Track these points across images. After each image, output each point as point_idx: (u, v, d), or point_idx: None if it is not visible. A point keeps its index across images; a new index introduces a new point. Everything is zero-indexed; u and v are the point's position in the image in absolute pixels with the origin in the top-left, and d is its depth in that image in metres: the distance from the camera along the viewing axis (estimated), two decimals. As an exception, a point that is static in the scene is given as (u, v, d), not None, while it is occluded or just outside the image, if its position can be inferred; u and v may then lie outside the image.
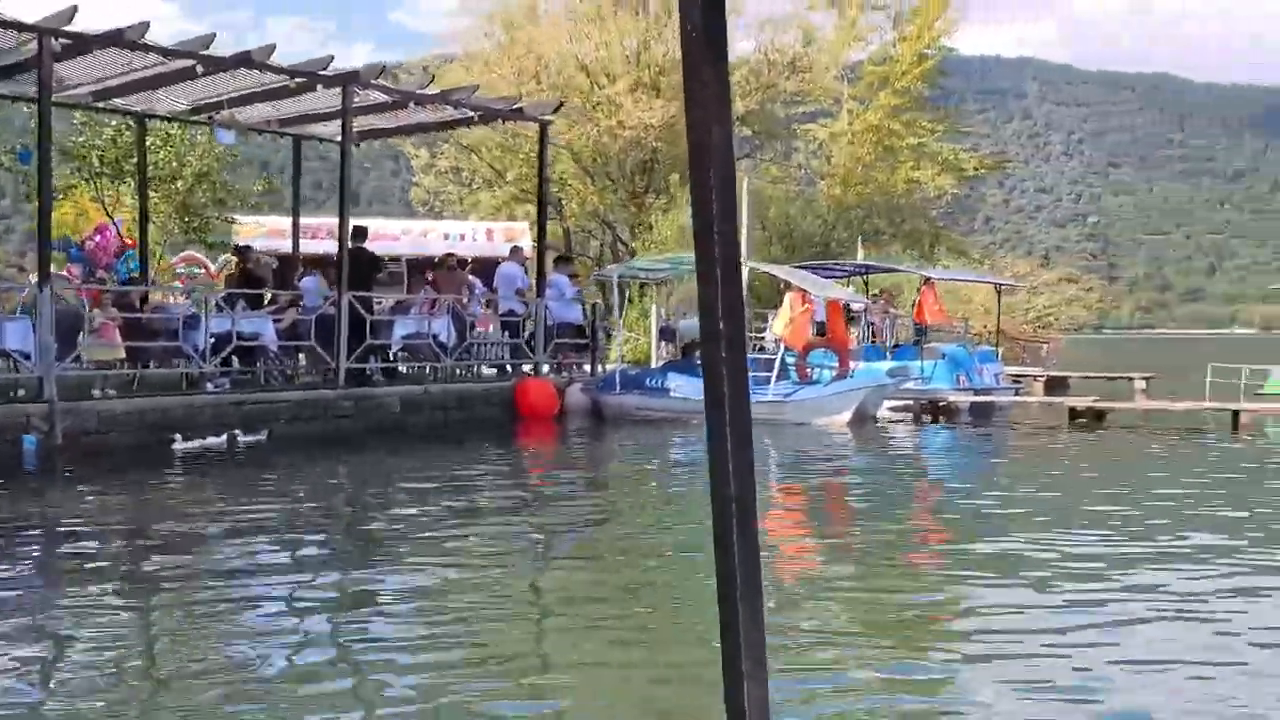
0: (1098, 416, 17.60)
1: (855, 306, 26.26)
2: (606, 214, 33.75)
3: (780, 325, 16.10)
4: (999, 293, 23.51)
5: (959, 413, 18.85)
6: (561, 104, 20.25)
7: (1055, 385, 25.76)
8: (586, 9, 33.02)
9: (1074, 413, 17.78)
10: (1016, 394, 24.05)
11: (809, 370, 18.00)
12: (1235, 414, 16.68)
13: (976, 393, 19.25)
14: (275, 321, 16.26)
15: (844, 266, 23.40)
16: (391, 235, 28.52)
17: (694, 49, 0.74)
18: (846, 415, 16.23)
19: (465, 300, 18.10)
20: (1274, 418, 17.08)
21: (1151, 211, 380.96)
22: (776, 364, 16.52)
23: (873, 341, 22.64)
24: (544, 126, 18.64)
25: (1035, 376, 26.52)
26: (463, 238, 28.77)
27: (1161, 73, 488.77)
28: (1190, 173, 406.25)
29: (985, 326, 39.82)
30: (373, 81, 16.06)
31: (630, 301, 25.09)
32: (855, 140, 37.92)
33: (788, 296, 16.28)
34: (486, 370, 19.13)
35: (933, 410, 18.49)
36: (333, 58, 15.52)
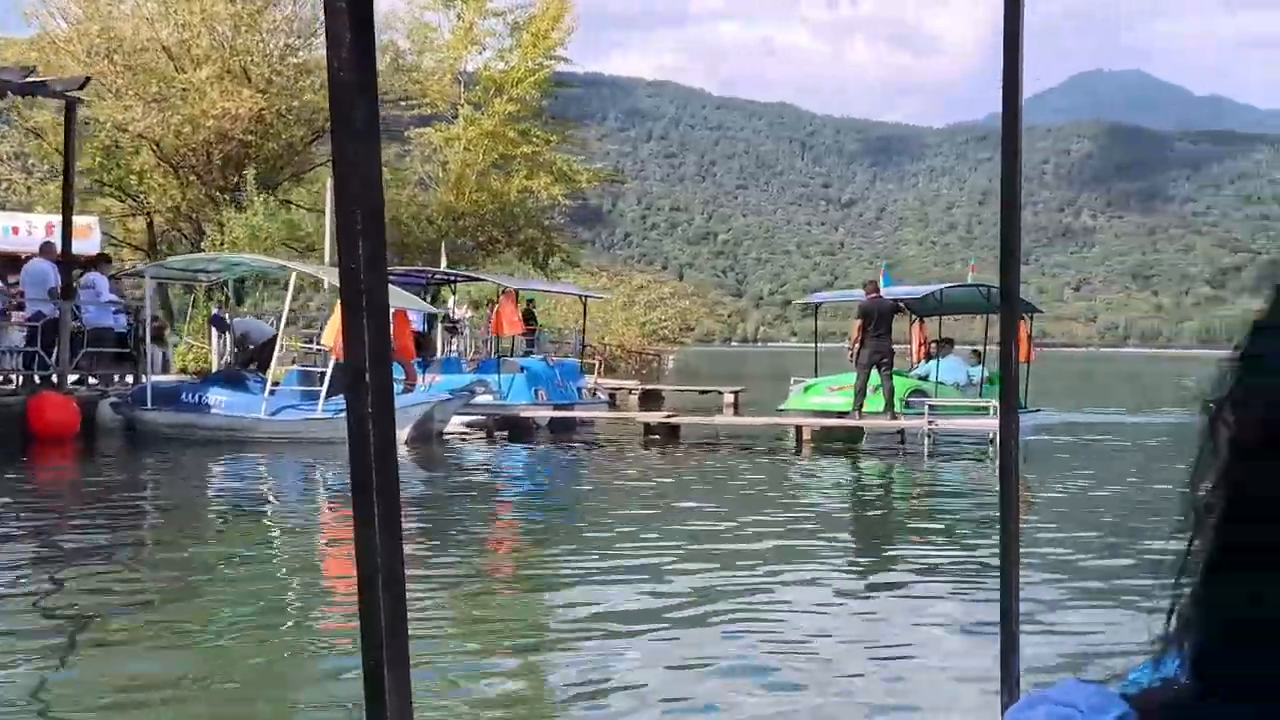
0: (671, 432, 17.31)
1: (455, 315, 25.33)
2: (192, 211, 31.01)
3: (329, 335, 14.70)
4: (584, 304, 23.11)
5: (537, 429, 18.13)
6: (89, 79, 17.84)
7: (649, 398, 25.73)
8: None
9: (648, 428, 17.42)
10: (612, 407, 23.80)
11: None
12: (798, 429, 16.80)
13: (557, 408, 18.59)
14: None
15: (425, 274, 22.27)
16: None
17: (342, 92, 0.71)
18: (405, 432, 15.03)
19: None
20: (811, 431, 17.05)
21: (776, 232, 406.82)
22: (326, 377, 15.09)
23: (494, 353, 21.64)
24: (71, 104, 16.35)
25: (631, 389, 26.39)
26: (16, 231, 25.51)
27: (786, 103, 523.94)
28: (809, 197, 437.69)
29: (603, 339, 40.06)
30: None
31: (195, 305, 22.98)
32: (470, 146, 37.10)
33: (339, 304, 14.88)
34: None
35: (509, 426, 17.65)
36: None
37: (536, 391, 18.44)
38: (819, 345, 20.38)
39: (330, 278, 15.74)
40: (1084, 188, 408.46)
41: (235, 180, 30.30)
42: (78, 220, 28.10)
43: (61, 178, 30.72)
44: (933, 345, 19.08)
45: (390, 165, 38.18)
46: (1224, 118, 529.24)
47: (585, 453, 16.12)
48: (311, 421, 14.94)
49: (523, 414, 17.77)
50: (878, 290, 16.95)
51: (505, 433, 17.49)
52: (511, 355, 21.58)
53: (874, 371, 16.62)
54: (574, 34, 38.26)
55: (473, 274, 23.72)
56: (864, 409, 16.61)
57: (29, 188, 32.53)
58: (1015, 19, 1.30)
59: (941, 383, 18.02)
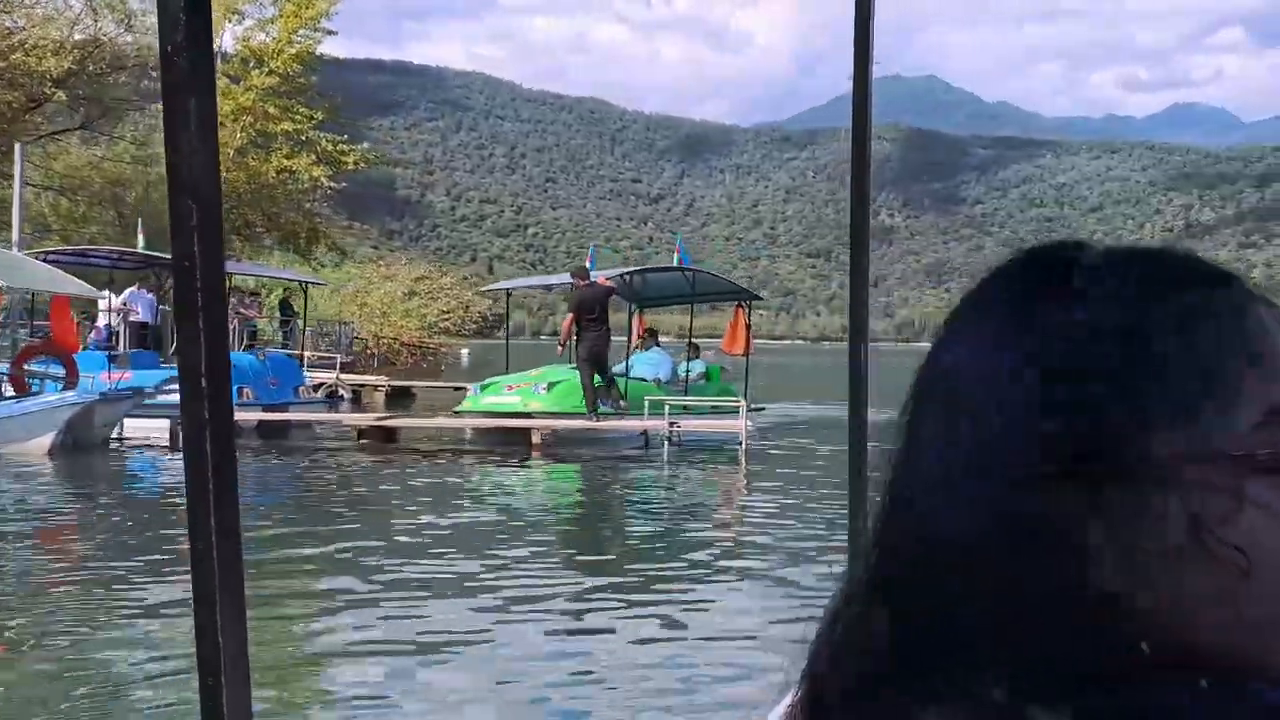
0: (388, 435, 15.42)
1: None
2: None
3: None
4: (305, 291, 20.97)
5: (242, 432, 15.96)
6: None
7: (399, 396, 23.74)
8: None
9: (360, 433, 15.49)
10: (356, 406, 21.82)
11: (28, 383, 14.29)
12: (527, 432, 15.12)
13: (265, 409, 16.46)
14: None
15: (111, 254, 19.78)
16: None
17: (177, 78, 0.68)
18: (49, 439, 12.75)
19: None
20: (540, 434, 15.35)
21: (585, 226, 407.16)
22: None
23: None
24: None
25: (378, 387, 24.31)
26: None
27: (596, 98, 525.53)
28: (619, 192, 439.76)
29: (375, 332, 37.69)
30: None
31: None
32: (226, 121, 34.22)
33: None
34: None
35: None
36: None
37: (240, 390, 16.24)
38: None
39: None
40: (883, 188, 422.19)
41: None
42: None
43: None
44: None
45: (136, 140, 35.01)
46: (1012, 123, 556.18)
47: (278, 461, 14.10)
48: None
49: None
50: (587, 276, 15.28)
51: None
52: (265, 348, 19.43)
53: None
54: (340, 5, 35.75)
55: (163, 256, 21.25)
56: (597, 407, 15.04)
57: None
58: (865, 28, 1.31)
59: (640, 379, 16.33)
